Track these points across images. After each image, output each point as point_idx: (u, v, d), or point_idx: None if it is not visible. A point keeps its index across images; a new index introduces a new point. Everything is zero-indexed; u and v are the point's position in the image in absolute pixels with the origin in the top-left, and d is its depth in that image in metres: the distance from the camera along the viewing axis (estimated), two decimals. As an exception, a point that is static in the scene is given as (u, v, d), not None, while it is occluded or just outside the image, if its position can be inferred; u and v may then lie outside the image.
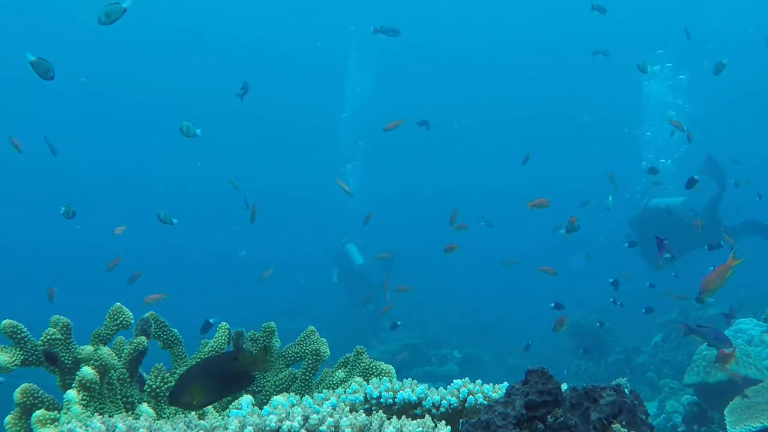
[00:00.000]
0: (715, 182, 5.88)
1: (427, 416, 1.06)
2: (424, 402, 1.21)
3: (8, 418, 1.34)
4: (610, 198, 5.34)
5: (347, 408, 1.10)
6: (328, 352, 1.63)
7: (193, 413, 1.15)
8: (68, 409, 1.27)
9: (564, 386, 1.06)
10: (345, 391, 1.27)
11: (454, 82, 16.11)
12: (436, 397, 1.21)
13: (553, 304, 4.18)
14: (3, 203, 14.97)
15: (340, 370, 1.63)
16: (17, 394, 1.34)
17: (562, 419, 0.96)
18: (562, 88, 15.51)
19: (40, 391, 1.37)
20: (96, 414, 1.28)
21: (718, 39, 11.56)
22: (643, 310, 4.11)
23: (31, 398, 1.35)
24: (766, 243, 5.86)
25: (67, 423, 1.17)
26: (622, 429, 0.96)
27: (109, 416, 1.24)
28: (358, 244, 8.24)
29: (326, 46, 14.76)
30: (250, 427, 1.01)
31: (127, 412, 1.40)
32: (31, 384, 1.37)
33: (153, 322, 1.59)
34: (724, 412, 2.65)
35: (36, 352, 1.42)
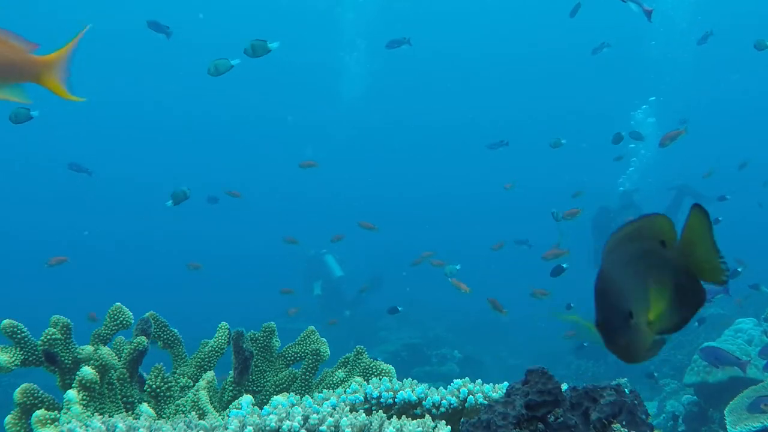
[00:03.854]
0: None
1: (427, 416, 1.06)
2: (424, 402, 1.21)
3: (8, 418, 1.34)
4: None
5: (347, 408, 1.10)
6: (329, 352, 1.63)
7: (193, 413, 1.15)
8: (68, 409, 1.27)
9: (564, 386, 1.06)
10: (345, 391, 1.27)
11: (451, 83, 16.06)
12: (436, 397, 1.21)
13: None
14: (5, 202, 14.96)
15: (340, 370, 1.63)
16: (17, 394, 1.34)
17: (562, 419, 0.96)
18: (561, 88, 15.46)
19: (40, 391, 1.37)
20: (96, 414, 1.28)
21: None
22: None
23: (31, 398, 1.35)
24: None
25: (67, 423, 1.17)
26: (622, 429, 0.96)
27: (109, 416, 1.24)
28: (335, 256, 8.02)
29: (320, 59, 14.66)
30: (250, 427, 1.01)
31: (127, 412, 1.40)
32: (31, 384, 1.37)
33: (153, 322, 1.59)
34: (724, 411, 2.65)
35: (36, 352, 1.42)
